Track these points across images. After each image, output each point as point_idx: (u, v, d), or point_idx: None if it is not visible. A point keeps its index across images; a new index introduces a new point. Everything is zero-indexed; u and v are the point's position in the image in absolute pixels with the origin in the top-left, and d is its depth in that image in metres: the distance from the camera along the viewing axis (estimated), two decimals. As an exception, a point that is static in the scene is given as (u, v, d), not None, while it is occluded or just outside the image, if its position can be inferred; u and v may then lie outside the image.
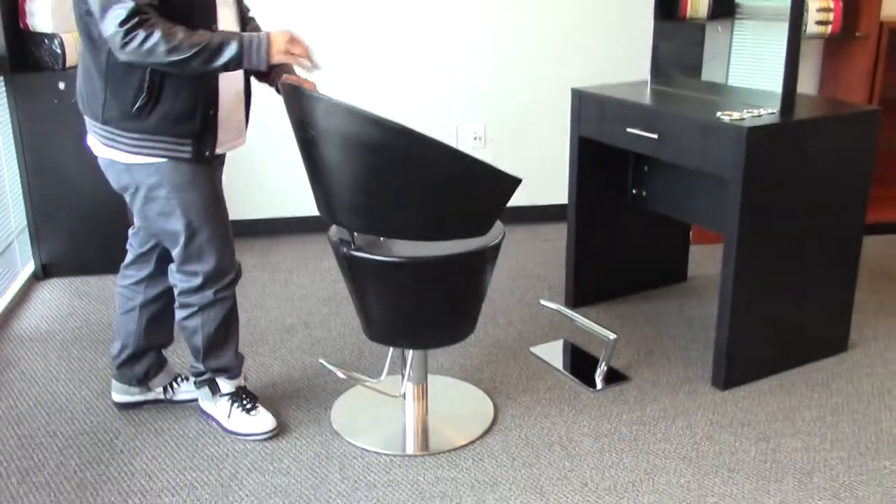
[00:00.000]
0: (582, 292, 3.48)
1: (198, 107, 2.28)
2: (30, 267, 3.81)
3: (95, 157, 2.42)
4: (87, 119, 2.38)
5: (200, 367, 2.61)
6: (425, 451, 2.55)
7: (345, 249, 2.40)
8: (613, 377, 2.94)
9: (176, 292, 2.51)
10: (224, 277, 2.48)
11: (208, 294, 2.47)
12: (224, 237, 2.45)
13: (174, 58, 2.09)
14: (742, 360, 2.86)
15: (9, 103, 3.59)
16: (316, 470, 2.47)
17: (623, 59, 4.29)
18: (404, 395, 2.71)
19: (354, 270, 2.43)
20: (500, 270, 3.88)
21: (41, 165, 3.67)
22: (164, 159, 2.30)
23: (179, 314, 2.53)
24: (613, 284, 3.55)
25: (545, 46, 4.25)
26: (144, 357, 2.70)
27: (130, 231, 2.64)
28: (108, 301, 3.59)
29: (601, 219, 3.43)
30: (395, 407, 2.75)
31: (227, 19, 2.34)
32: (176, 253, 2.45)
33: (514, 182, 2.29)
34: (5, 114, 3.61)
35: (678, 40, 3.18)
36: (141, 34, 2.05)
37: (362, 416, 2.72)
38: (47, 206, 3.72)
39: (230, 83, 2.38)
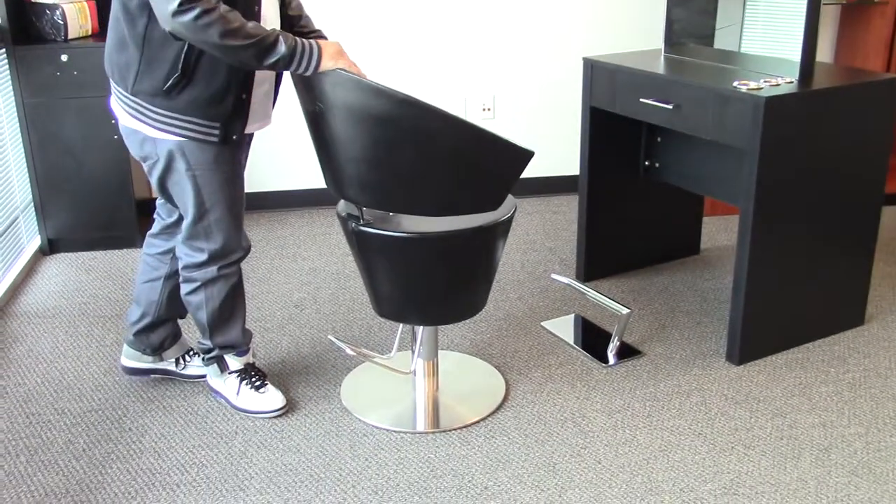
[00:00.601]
0: (593, 266, 3.43)
1: (230, 90, 2.23)
2: (36, 242, 3.77)
3: (116, 122, 2.36)
4: (113, 85, 2.32)
5: (208, 343, 2.58)
6: (436, 428, 2.52)
7: (353, 225, 2.36)
8: (626, 352, 2.90)
9: (180, 266, 2.48)
10: (230, 255, 2.45)
11: (212, 270, 2.44)
12: (235, 218, 2.42)
13: (226, 42, 2.03)
14: (757, 335, 2.82)
15: (11, 76, 3.54)
16: (326, 448, 2.44)
17: (635, 28, 4.21)
18: (414, 372, 2.68)
19: (363, 246, 2.39)
20: (511, 244, 3.83)
21: (45, 139, 3.62)
22: (186, 139, 2.27)
23: (184, 289, 2.50)
24: (625, 258, 3.50)
25: (555, 15, 4.17)
26: (162, 327, 2.69)
27: (158, 201, 2.61)
28: (115, 276, 3.56)
29: (613, 191, 3.37)
30: (405, 383, 2.71)
31: (268, 13, 2.27)
32: (184, 226, 2.41)
33: (526, 155, 2.23)
34: (8, 87, 3.56)
35: (691, 8, 3.10)
36: (199, 8, 1.98)
37: (372, 392, 2.69)
38: (52, 181, 3.68)
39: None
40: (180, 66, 2.16)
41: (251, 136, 2.50)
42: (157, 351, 2.73)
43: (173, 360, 2.75)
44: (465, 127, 2.15)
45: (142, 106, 2.25)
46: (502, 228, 2.42)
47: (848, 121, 2.72)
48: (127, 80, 2.24)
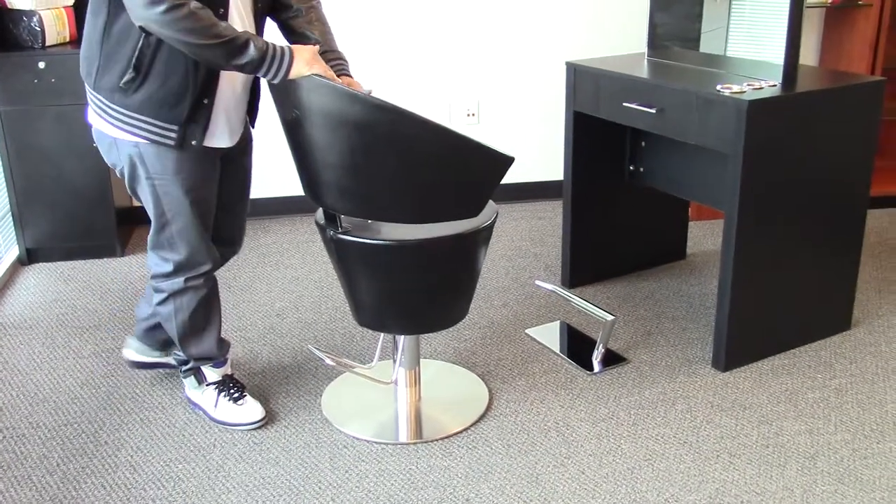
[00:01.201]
0: (578, 272, 3.40)
1: (188, 92, 2.16)
2: (14, 252, 3.72)
3: (90, 127, 2.33)
4: (85, 85, 2.29)
5: (182, 355, 2.53)
6: (418, 438, 2.48)
7: (331, 232, 2.32)
8: (611, 359, 2.87)
9: (149, 275, 2.44)
10: (197, 267, 2.39)
11: (179, 281, 2.39)
12: (199, 230, 2.34)
13: (194, 40, 1.98)
14: (743, 341, 2.79)
15: (-13, 84, 3.49)
16: (305, 460, 2.40)
17: (619, 32, 4.19)
18: (396, 382, 2.64)
19: (341, 254, 2.35)
20: (495, 250, 3.80)
21: (23, 147, 3.57)
22: (146, 141, 2.21)
23: (154, 299, 2.46)
24: (610, 263, 3.47)
25: (539, 20, 4.15)
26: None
27: None
28: (93, 286, 3.51)
29: (597, 196, 3.34)
30: (387, 393, 2.67)
31: (234, 17, 2.19)
32: (149, 235, 2.37)
33: (506, 161, 2.20)
34: (-16, 95, 3.51)
35: (676, 11, 3.08)
36: (168, 3, 1.94)
37: (354, 402, 2.65)
38: (30, 190, 3.63)
39: (235, 74, 2.26)
40: (133, 63, 2.12)
41: (235, 148, 2.40)
42: (165, 347, 2.71)
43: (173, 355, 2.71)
44: (444, 133, 2.11)
45: (103, 103, 2.20)
46: (483, 235, 2.38)
47: (832, 124, 2.70)
48: (91, 75, 2.20)
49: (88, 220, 3.72)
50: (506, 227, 4.05)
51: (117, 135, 2.23)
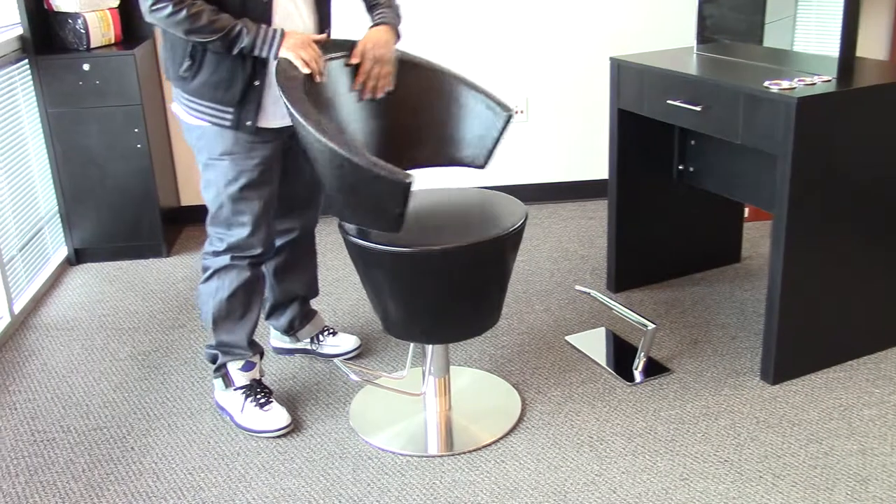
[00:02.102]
0: (625, 275, 3.27)
1: (238, 76, 2.29)
2: (63, 252, 3.76)
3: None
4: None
5: (213, 342, 2.55)
6: (446, 450, 2.40)
7: (352, 238, 2.25)
8: (653, 369, 2.74)
9: (202, 252, 2.53)
10: (248, 250, 2.44)
11: (225, 258, 2.44)
12: (257, 216, 2.40)
13: (195, 38, 2.20)
14: (794, 352, 2.63)
15: (34, 85, 3.52)
16: (328, 471, 2.34)
17: (674, 26, 4.01)
18: (425, 392, 2.56)
19: (364, 261, 2.28)
20: (541, 251, 3.69)
21: (69, 149, 3.60)
22: (209, 124, 2.34)
23: (201, 277, 2.53)
24: (659, 266, 3.33)
25: (588, 15, 4.01)
26: (287, 308, 2.79)
27: None
28: (137, 287, 3.52)
29: (645, 196, 3.20)
30: (416, 402, 2.60)
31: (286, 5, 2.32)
32: (209, 215, 2.45)
33: (396, 185, 2.01)
34: (31, 96, 3.54)
35: (730, 1, 2.91)
36: (169, 7, 2.15)
37: (382, 411, 2.58)
38: (77, 190, 3.66)
39: None
40: (188, 53, 2.28)
41: (289, 132, 2.45)
42: (289, 332, 2.84)
43: (308, 339, 2.84)
44: (333, 153, 2.05)
45: (176, 90, 2.39)
46: (510, 241, 2.28)
47: (891, 121, 2.51)
48: (166, 67, 2.38)
49: (134, 220, 3.73)
50: (553, 228, 3.94)
51: (188, 119, 2.39)
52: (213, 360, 2.58)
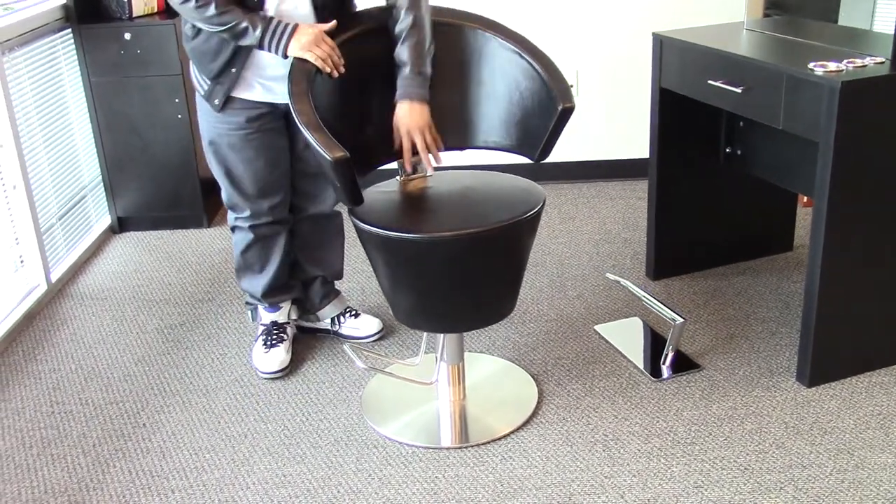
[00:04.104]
0: (664, 262, 3.12)
1: (219, 55, 2.34)
2: (106, 220, 3.80)
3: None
4: None
5: (240, 285, 2.74)
6: (460, 441, 2.33)
7: (359, 223, 2.18)
8: (682, 365, 2.60)
9: None
10: (238, 210, 2.57)
11: (231, 217, 2.62)
12: (239, 179, 2.49)
13: (204, 25, 2.26)
14: (833, 352, 2.46)
15: (77, 54, 3.54)
16: (332, 459, 2.29)
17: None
18: (437, 380, 2.48)
19: (371, 247, 2.21)
20: (582, 233, 3.55)
21: (112, 118, 3.62)
22: (196, 84, 2.47)
23: None
24: (702, 254, 3.16)
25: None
26: (309, 288, 2.78)
27: None
28: (174, 258, 3.53)
29: (689, 180, 3.04)
30: (429, 390, 2.53)
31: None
32: None
33: (334, 160, 1.99)
34: (74, 65, 3.56)
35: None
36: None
37: (394, 399, 2.52)
38: (120, 160, 3.68)
39: None
40: None
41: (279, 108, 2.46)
42: (310, 311, 2.82)
43: (329, 319, 2.82)
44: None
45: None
46: (525, 227, 2.18)
47: (951, 108, 2.30)
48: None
49: (175, 190, 3.74)
50: (599, 207, 3.79)
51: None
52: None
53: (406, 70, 2.27)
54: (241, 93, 2.40)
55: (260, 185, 2.51)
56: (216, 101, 2.40)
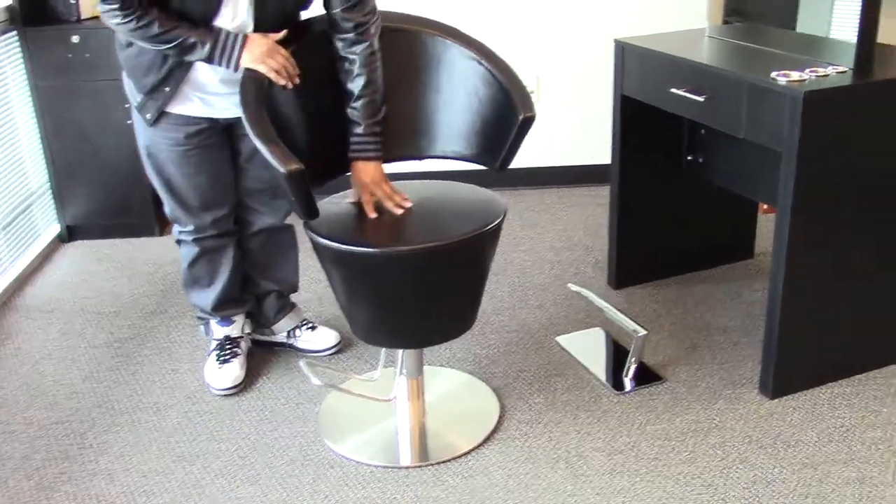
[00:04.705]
0: (626, 271, 3.09)
1: (152, 72, 2.23)
2: (54, 229, 3.67)
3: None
4: None
5: (189, 300, 2.67)
6: (419, 459, 2.27)
7: (313, 235, 2.11)
8: (645, 377, 2.57)
9: None
10: (181, 224, 2.49)
11: (175, 230, 2.54)
12: (175, 191, 2.41)
13: (148, 44, 2.14)
14: (796, 363, 2.44)
15: (23, 58, 3.42)
16: (287, 480, 2.22)
17: (695, 4, 3.77)
18: (396, 396, 2.42)
19: (323, 258, 2.14)
20: (544, 240, 3.51)
21: (59, 123, 3.50)
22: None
23: None
24: (664, 262, 3.13)
25: (607, -14, 3.78)
26: (262, 302, 2.70)
27: None
28: (125, 268, 3.43)
29: (650, 188, 3.00)
30: (388, 406, 2.46)
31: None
32: None
33: (285, 174, 1.94)
34: (20, 69, 3.44)
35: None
36: (119, 17, 2.08)
37: (352, 415, 2.45)
38: (69, 166, 3.57)
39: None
40: None
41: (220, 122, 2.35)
42: (265, 325, 2.74)
43: (285, 332, 2.75)
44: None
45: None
46: (485, 242, 2.12)
47: (912, 118, 2.29)
48: None
49: (126, 198, 3.64)
50: (560, 215, 3.75)
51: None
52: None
53: (359, 129, 2.22)
54: (178, 107, 2.29)
55: (202, 200, 2.43)
56: (148, 116, 2.29)
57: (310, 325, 2.76)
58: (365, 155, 2.22)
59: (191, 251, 2.52)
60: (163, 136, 2.33)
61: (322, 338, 2.74)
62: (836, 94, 2.19)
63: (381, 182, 2.21)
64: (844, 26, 2.44)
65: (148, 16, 2.07)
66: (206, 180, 2.40)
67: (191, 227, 2.47)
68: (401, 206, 2.18)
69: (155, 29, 2.09)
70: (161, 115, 2.29)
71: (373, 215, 2.16)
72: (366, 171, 2.21)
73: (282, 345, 2.77)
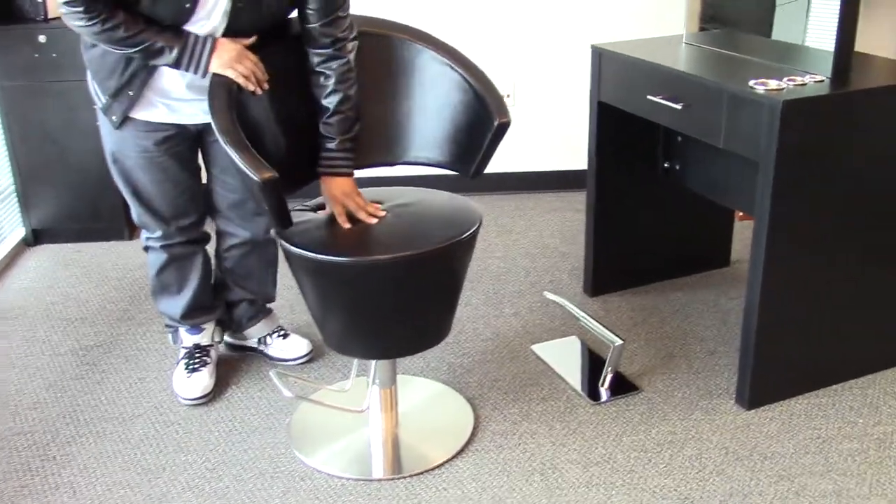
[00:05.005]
0: (603, 279, 3.06)
1: (115, 74, 2.17)
2: (20, 232, 3.59)
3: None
4: None
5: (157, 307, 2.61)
6: (392, 472, 2.23)
7: (284, 244, 2.06)
8: (621, 387, 2.54)
9: None
10: (149, 230, 2.43)
11: (143, 236, 2.47)
12: (144, 199, 2.35)
13: (113, 48, 2.07)
14: (773, 374, 2.42)
15: (-13, 58, 3.34)
16: (256, 493, 2.16)
17: (672, 10, 3.76)
18: (369, 406, 2.37)
19: (294, 267, 2.09)
20: (519, 246, 3.48)
21: (25, 124, 3.42)
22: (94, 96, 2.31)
23: None
24: (640, 269, 3.11)
25: (578, 1, 3.76)
26: (235, 307, 2.65)
27: None
28: (92, 273, 3.35)
29: (627, 195, 2.98)
30: (361, 416, 2.41)
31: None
32: None
33: (259, 182, 1.89)
34: (-16, 70, 3.36)
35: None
36: (83, 19, 2.01)
37: (324, 426, 2.40)
38: (35, 168, 3.49)
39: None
40: None
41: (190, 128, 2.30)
42: (237, 329, 2.69)
43: (256, 338, 2.69)
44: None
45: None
46: (459, 252, 2.08)
47: (888, 129, 2.28)
48: None
49: (94, 201, 3.56)
50: (536, 220, 3.72)
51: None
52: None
53: (331, 144, 2.18)
54: (143, 113, 2.23)
55: (170, 207, 2.38)
56: (114, 118, 2.23)
57: (282, 332, 2.71)
58: (336, 171, 2.18)
59: (159, 258, 2.46)
60: (130, 142, 2.27)
61: (293, 346, 2.69)
62: (814, 104, 2.17)
63: (352, 194, 2.16)
64: (820, 33, 2.42)
65: (114, 18, 2.00)
66: (173, 187, 2.35)
67: (159, 234, 2.42)
68: (374, 216, 2.13)
69: (121, 32, 2.02)
70: (126, 119, 2.23)
71: (346, 226, 2.11)
72: (337, 185, 2.16)
73: (253, 349, 2.72)
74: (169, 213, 2.38)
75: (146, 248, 2.49)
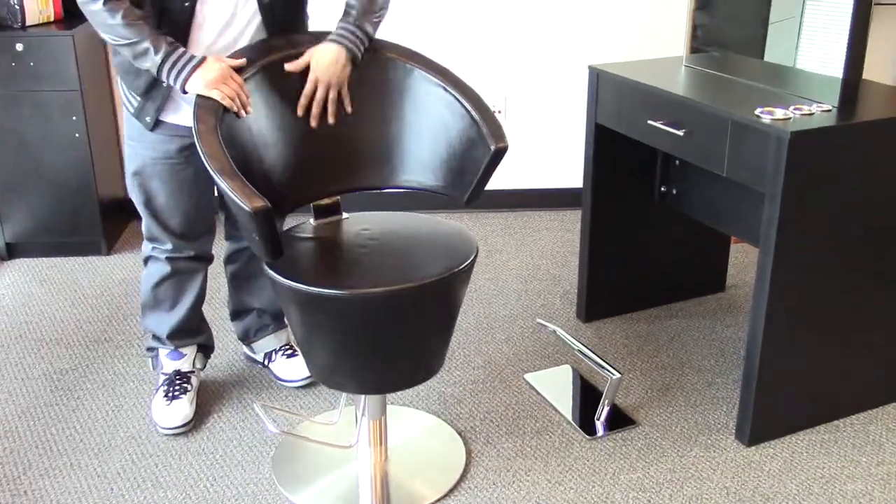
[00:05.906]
0: (596, 304, 2.98)
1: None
2: (-7, 246, 3.47)
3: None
4: None
5: (143, 325, 2.53)
6: (375, 511, 2.13)
7: (272, 273, 1.96)
8: (617, 420, 2.46)
9: None
10: (160, 244, 2.37)
11: (149, 247, 2.41)
12: (161, 209, 2.30)
13: (102, 33, 2.04)
14: (774, 409, 2.35)
15: (-38, 66, 3.21)
16: (238, 533, 2.07)
17: (673, 32, 3.69)
18: (358, 439, 2.28)
19: (282, 297, 1.99)
20: (510, 268, 3.39)
21: (0, 135, 3.30)
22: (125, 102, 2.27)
23: None
24: (635, 295, 3.04)
25: (579, 14, 3.68)
26: (244, 317, 2.63)
27: None
28: (69, 290, 3.23)
29: (623, 218, 2.91)
30: (348, 450, 2.32)
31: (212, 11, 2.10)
32: None
33: (250, 212, 1.80)
34: (-42, 78, 3.24)
35: (726, 8, 2.60)
36: None
37: (309, 459, 2.30)
38: (9, 180, 3.36)
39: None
40: None
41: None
42: (245, 341, 2.67)
43: (263, 354, 2.66)
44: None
45: None
46: (454, 284, 1.99)
47: (898, 160, 2.22)
48: None
49: (71, 214, 3.44)
50: (527, 240, 3.64)
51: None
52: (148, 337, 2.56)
53: (348, 18, 2.13)
54: (171, 116, 2.20)
55: (184, 220, 2.34)
56: (147, 119, 2.18)
57: (289, 351, 2.64)
58: (340, 41, 2.09)
59: (161, 270, 2.39)
60: (158, 148, 2.23)
61: (297, 368, 2.60)
62: (822, 135, 2.10)
63: (337, 84, 2.08)
64: (810, 55, 2.36)
65: (111, 5, 1.98)
66: (188, 199, 2.31)
67: (168, 246, 2.36)
68: (329, 116, 2.10)
69: (118, 17, 1.98)
70: (159, 123, 2.20)
71: (300, 113, 2.07)
72: (330, 60, 2.06)
73: (262, 365, 2.68)
74: (181, 226, 2.34)
75: (147, 260, 2.42)
